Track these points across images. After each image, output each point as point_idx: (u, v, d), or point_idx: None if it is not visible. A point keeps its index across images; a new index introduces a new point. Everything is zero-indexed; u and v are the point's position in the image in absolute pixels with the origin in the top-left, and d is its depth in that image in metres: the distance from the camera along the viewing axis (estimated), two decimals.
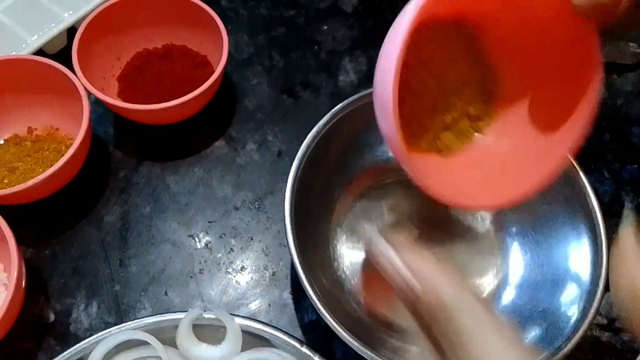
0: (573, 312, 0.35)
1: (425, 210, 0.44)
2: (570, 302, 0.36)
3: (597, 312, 0.34)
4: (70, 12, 0.49)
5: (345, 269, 0.42)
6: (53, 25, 0.48)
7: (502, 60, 0.34)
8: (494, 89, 0.34)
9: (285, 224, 0.38)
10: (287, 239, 0.38)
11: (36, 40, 0.47)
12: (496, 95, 0.34)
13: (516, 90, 0.33)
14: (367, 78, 0.52)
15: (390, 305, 0.41)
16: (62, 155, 0.41)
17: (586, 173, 0.47)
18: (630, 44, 0.54)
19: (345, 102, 0.42)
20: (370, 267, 0.42)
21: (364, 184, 0.45)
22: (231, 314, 0.36)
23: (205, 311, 0.36)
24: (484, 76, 0.34)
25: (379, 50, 0.56)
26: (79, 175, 0.44)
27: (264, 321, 0.40)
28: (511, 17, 0.30)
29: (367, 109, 0.43)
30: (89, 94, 0.42)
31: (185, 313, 0.36)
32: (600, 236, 0.36)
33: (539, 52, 0.31)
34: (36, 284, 0.41)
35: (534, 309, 0.37)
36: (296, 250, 0.37)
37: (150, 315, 0.36)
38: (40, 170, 0.43)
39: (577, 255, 0.37)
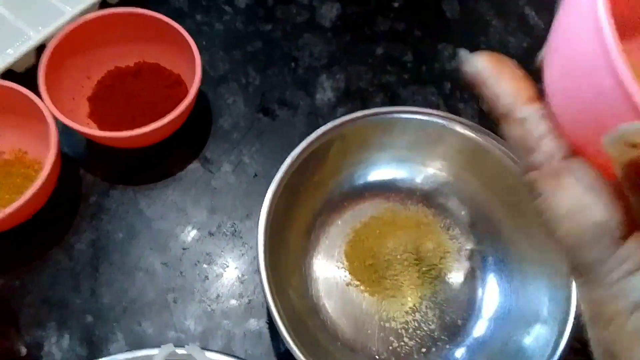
0: (547, 343, 0.35)
1: (402, 235, 0.44)
2: (543, 334, 0.36)
3: (570, 342, 0.35)
4: (39, 29, 0.48)
5: (322, 296, 0.42)
6: (19, 44, 0.47)
7: None
8: None
9: (258, 252, 0.38)
10: (259, 268, 0.37)
11: (0, 61, 0.46)
12: None
13: None
14: (344, 96, 0.51)
15: (367, 333, 0.41)
16: (31, 181, 0.40)
17: None
18: None
19: (322, 128, 0.41)
20: (348, 294, 0.43)
21: (342, 207, 0.45)
22: (204, 349, 0.36)
23: (177, 347, 0.35)
24: None
25: (357, 67, 0.55)
26: (48, 201, 0.43)
27: (239, 351, 0.40)
28: None
29: (344, 134, 0.43)
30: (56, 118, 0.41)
31: (157, 349, 0.35)
32: None
33: None
34: (6, 315, 0.40)
35: (505, 342, 0.37)
36: (268, 280, 0.37)
37: (121, 352, 0.36)
38: (8, 197, 0.42)
39: (551, 285, 0.37)
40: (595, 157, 0.19)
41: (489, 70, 0.20)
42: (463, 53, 0.21)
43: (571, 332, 0.34)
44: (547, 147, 0.19)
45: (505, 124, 0.20)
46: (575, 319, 0.35)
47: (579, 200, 0.17)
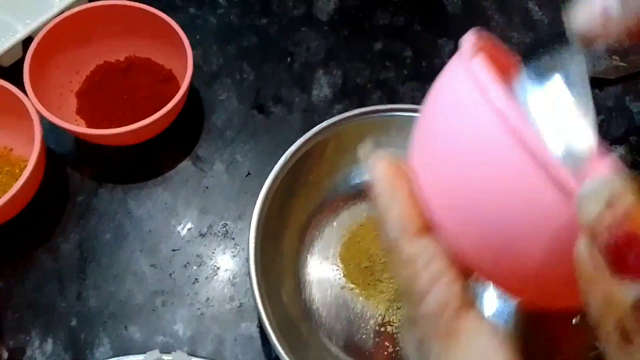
0: None
1: None
2: None
3: None
4: (26, 22, 0.46)
5: (315, 299, 0.41)
6: (5, 37, 0.45)
7: None
8: None
9: (249, 254, 0.37)
10: (249, 271, 0.36)
11: None
12: None
13: None
14: (341, 93, 0.50)
15: (362, 338, 0.39)
16: (16, 179, 0.39)
17: None
18: (613, 57, 0.52)
19: (318, 126, 0.41)
20: (342, 298, 0.41)
21: (338, 208, 0.43)
22: (192, 355, 0.35)
23: (163, 353, 0.34)
24: None
25: (355, 62, 0.54)
26: (33, 200, 0.41)
27: (230, 356, 0.39)
28: None
29: (340, 133, 0.42)
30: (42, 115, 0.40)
31: (142, 355, 0.34)
32: None
33: None
34: None
35: None
36: (258, 283, 0.36)
37: (105, 358, 0.34)
38: None
39: None
40: (506, 279, 0.17)
41: (383, 186, 0.18)
42: (363, 150, 0.19)
43: None
44: (440, 294, 0.16)
45: (392, 258, 0.18)
46: None
47: None
